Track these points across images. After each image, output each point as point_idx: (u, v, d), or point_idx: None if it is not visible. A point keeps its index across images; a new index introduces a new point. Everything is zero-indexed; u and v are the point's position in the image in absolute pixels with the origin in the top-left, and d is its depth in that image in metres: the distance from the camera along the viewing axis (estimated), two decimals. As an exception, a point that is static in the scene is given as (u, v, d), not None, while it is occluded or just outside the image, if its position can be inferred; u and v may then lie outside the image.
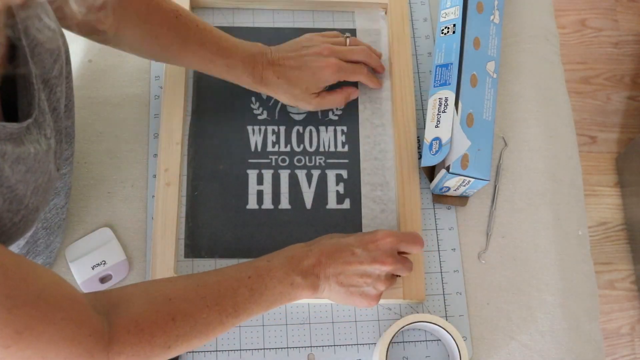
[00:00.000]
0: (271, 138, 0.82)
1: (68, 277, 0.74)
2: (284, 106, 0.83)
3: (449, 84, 0.78)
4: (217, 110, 0.83)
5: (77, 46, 0.85)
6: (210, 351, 0.73)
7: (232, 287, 0.63)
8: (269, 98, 0.83)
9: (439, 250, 0.78)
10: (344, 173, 0.81)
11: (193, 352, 0.72)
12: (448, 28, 0.81)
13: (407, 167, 0.79)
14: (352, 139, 0.82)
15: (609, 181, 1.69)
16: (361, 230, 0.78)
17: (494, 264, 0.78)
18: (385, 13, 0.88)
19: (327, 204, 0.79)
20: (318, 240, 0.70)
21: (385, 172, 0.81)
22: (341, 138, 0.82)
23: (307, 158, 0.81)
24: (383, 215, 0.79)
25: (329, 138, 0.82)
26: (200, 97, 0.83)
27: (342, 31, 0.86)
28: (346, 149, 0.82)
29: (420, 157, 0.80)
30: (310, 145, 0.82)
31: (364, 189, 0.80)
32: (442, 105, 0.77)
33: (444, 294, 0.76)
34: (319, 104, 0.80)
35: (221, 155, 0.80)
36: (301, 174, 0.80)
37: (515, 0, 0.91)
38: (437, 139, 0.76)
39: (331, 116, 0.83)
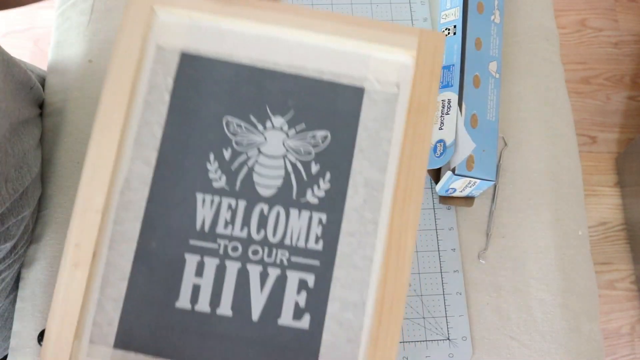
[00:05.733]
0: (225, 215, 0.62)
1: (68, 276, 0.74)
2: (249, 173, 0.64)
3: (452, 85, 0.78)
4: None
5: (78, 46, 0.85)
6: (211, 351, 0.72)
7: None
8: (232, 158, 0.63)
9: (438, 250, 0.78)
10: (310, 279, 0.61)
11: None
12: (449, 29, 0.81)
13: (394, 288, 0.59)
14: (331, 233, 0.63)
15: (609, 181, 1.69)
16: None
17: (494, 264, 0.79)
18: (413, 63, 0.65)
19: (279, 317, 0.61)
20: None
21: (364, 288, 0.61)
22: (316, 230, 0.63)
23: (266, 250, 0.61)
24: (348, 347, 0.60)
25: (300, 227, 0.62)
26: (141, 144, 0.65)
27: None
28: (320, 246, 0.62)
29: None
30: (274, 234, 0.62)
31: (332, 306, 0.61)
32: (445, 108, 0.77)
33: (444, 294, 0.77)
34: None
35: (156, 227, 0.64)
36: (254, 272, 0.61)
37: (515, 0, 0.91)
38: (441, 141, 0.76)
39: (309, 197, 0.65)
